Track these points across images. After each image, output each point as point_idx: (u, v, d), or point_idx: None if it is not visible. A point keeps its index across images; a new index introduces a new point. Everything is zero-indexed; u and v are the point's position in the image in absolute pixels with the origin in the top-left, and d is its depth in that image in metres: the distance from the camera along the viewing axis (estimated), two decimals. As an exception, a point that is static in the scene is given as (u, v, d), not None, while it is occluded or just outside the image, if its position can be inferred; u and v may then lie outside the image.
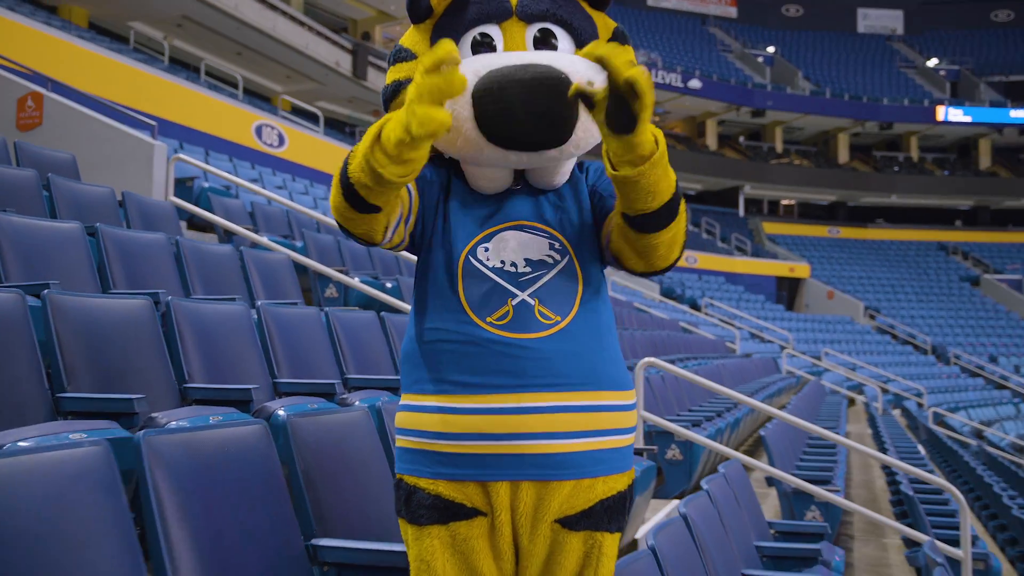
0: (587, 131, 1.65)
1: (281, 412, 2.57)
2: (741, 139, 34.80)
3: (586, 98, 1.47)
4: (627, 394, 1.74)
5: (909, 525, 4.91)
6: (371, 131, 1.48)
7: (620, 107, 1.42)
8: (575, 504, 1.65)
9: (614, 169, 1.51)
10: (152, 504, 1.57)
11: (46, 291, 2.37)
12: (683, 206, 1.62)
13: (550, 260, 1.69)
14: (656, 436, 5.27)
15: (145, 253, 3.63)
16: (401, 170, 1.46)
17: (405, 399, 1.73)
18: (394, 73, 1.76)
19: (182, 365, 2.71)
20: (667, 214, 1.56)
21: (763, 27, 37.69)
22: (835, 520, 4.76)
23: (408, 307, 3.30)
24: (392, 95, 1.75)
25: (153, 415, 2.20)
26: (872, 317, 25.93)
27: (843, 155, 34.05)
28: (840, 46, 37.40)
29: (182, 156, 6.44)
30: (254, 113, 13.63)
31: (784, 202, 35.32)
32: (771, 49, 35.76)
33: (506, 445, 1.61)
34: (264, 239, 5.78)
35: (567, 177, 1.77)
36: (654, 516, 4.38)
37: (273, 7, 19.54)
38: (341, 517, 2.07)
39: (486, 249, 1.69)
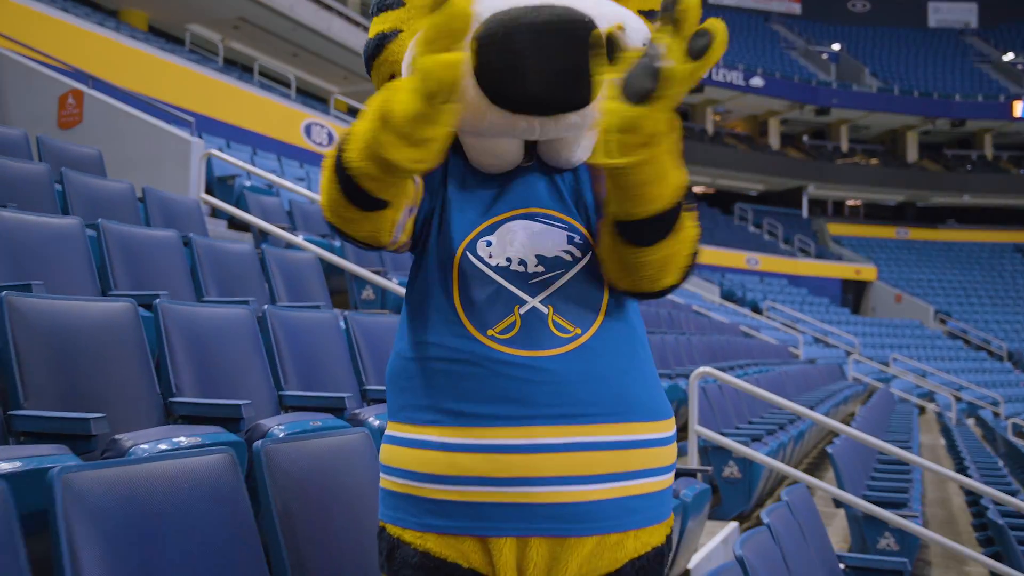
0: None
1: (277, 429, 2.26)
2: (805, 138, 33.87)
3: (612, 47, 1.13)
4: (664, 425, 1.38)
5: (995, 555, 4.43)
6: (373, 106, 1.14)
7: (646, 68, 1.09)
8: (599, 565, 1.30)
9: (605, 156, 1.16)
10: (65, 563, 1.25)
11: (3, 293, 2.09)
12: (689, 224, 1.25)
13: (568, 257, 1.34)
14: (712, 452, 4.86)
15: (153, 252, 3.36)
16: (416, 153, 1.12)
17: (390, 429, 1.39)
18: (378, 24, 1.43)
19: (170, 377, 2.42)
20: (662, 226, 1.21)
21: (828, 23, 36.67)
22: (912, 549, 4.29)
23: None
24: (375, 51, 1.41)
25: (117, 437, 1.91)
26: (943, 321, 24.92)
27: (912, 154, 32.91)
28: (910, 41, 36.19)
29: (214, 152, 6.21)
30: (304, 112, 13.51)
31: (850, 202, 34.30)
32: (836, 46, 34.74)
33: (512, 492, 1.27)
34: (298, 239, 5.51)
35: (589, 153, 1.41)
36: (709, 541, 3.99)
37: (329, 8, 19.46)
38: (328, 566, 1.74)
39: (488, 243, 1.35)
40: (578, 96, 1.24)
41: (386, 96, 1.13)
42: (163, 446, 1.96)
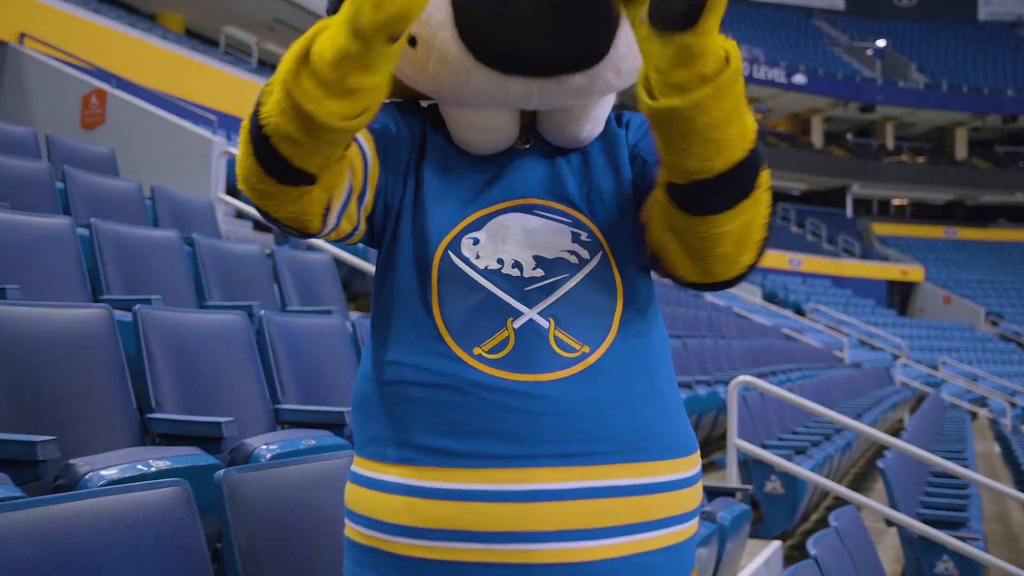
0: (633, 46, 1.04)
1: (265, 450, 2.03)
2: (849, 136, 33.20)
3: None
4: (688, 462, 1.12)
5: (1065, 581, 4.07)
6: (295, 47, 0.89)
7: None
8: (611, 636, 1.04)
9: (652, 97, 0.88)
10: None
11: (-45, 300, 1.89)
12: (765, 180, 0.96)
13: (573, 259, 1.09)
14: (753, 465, 4.56)
15: (152, 254, 3.16)
16: (344, 107, 0.88)
17: (355, 465, 1.14)
18: None
19: (149, 391, 2.20)
20: (738, 183, 0.94)
21: (872, 19, 35.92)
22: (974, 575, 3.95)
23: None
24: (336, 7, 1.16)
25: (72, 462, 1.69)
26: (994, 323, 24.20)
27: (961, 151, 32.10)
28: (958, 36, 35.31)
29: (232, 150, 6.03)
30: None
31: (896, 202, 33.54)
32: (881, 42, 33.99)
33: (505, 550, 1.01)
34: (318, 239, 5.30)
35: (600, 128, 1.15)
36: (751, 563, 3.70)
37: (362, 7, 19.41)
38: (301, 614, 1.50)
39: (475, 241, 1.09)
40: (585, 49, 1.00)
41: (309, 36, 0.87)
42: (140, 467, 1.74)
